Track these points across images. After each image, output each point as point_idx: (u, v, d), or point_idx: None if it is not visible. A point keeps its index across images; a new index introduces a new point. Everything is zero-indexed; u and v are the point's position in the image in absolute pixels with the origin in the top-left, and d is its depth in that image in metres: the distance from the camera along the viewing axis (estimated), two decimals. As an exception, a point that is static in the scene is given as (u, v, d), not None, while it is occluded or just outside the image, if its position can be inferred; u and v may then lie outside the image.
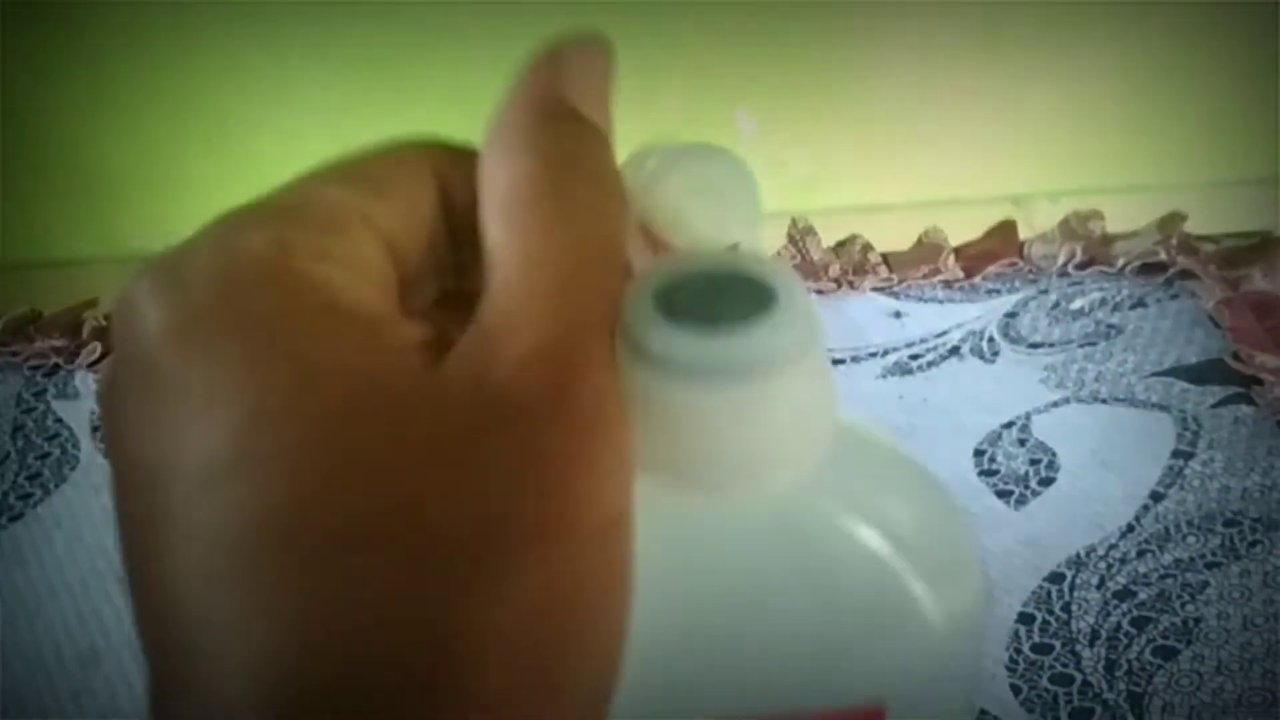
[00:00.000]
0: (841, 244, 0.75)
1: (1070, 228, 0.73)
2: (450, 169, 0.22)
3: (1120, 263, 0.70)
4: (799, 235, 0.75)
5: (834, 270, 0.72)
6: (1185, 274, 0.69)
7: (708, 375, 0.19)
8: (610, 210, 0.20)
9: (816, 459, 0.21)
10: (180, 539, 0.17)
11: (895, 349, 0.67)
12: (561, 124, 0.21)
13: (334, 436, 0.17)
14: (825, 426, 0.21)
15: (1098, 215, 0.74)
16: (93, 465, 0.64)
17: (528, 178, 0.19)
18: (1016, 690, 0.47)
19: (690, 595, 0.22)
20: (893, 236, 0.76)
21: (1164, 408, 0.60)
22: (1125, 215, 0.75)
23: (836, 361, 0.66)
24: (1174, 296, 0.68)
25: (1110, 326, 0.67)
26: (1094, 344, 0.65)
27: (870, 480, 0.24)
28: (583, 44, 0.22)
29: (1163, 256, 0.69)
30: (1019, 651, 0.49)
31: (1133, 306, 0.68)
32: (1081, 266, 0.71)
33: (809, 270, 0.72)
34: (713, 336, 0.19)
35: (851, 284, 0.72)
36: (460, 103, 0.85)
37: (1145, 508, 0.55)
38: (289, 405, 0.17)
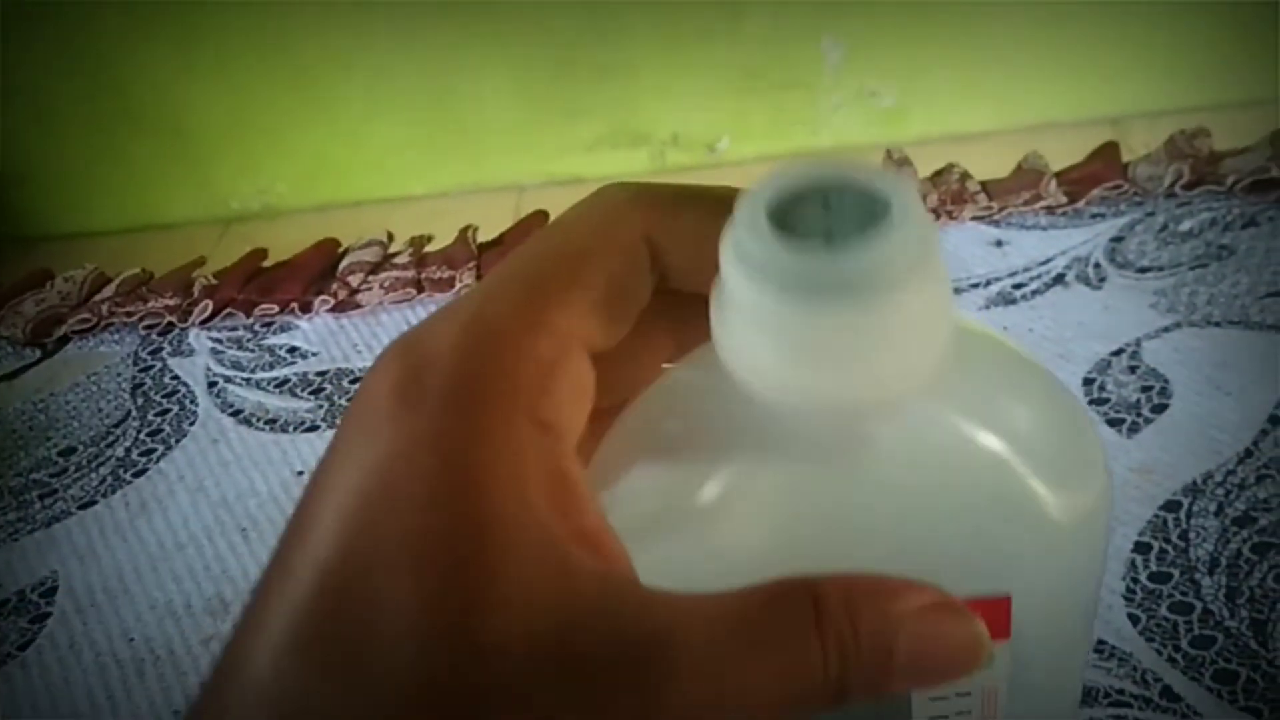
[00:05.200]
0: (938, 173, 0.74)
1: (1176, 146, 0.71)
2: (665, 221, 0.22)
3: (1230, 181, 0.68)
4: (895, 167, 0.74)
5: (932, 200, 0.71)
6: (1299, 190, 0.67)
7: (826, 294, 0.18)
8: None
9: (938, 366, 0.21)
10: None
11: (998, 279, 0.66)
12: None
13: None
14: (945, 334, 0.21)
15: (1204, 132, 0.72)
16: (210, 419, 0.66)
17: None
18: (1134, 620, 0.47)
19: (825, 506, 0.23)
20: (991, 164, 0.75)
21: (1280, 329, 0.59)
22: (1233, 131, 0.72)
23: (938, 293, 0.66)
24: (1288, 214, 0.66)
25: (1221, 247, 0.65)
26: (1205, 266, 0.64)
27: (990, 382, 0.24)
28: None
29: (1275, 173, 0.67)
30: (1136, 581, 0.48)
31: (1244, 226, 0.66)
32: (1189, 186, 0.69)
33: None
34: (829, 254, 0.19)
35: (950, 214, 0.71)
36: (540, 34, 0.85)
37: (1264, 432, 0.54)
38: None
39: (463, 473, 0.18)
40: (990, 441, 0.22)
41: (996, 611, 0.23)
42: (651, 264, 0.22)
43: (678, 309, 0.23)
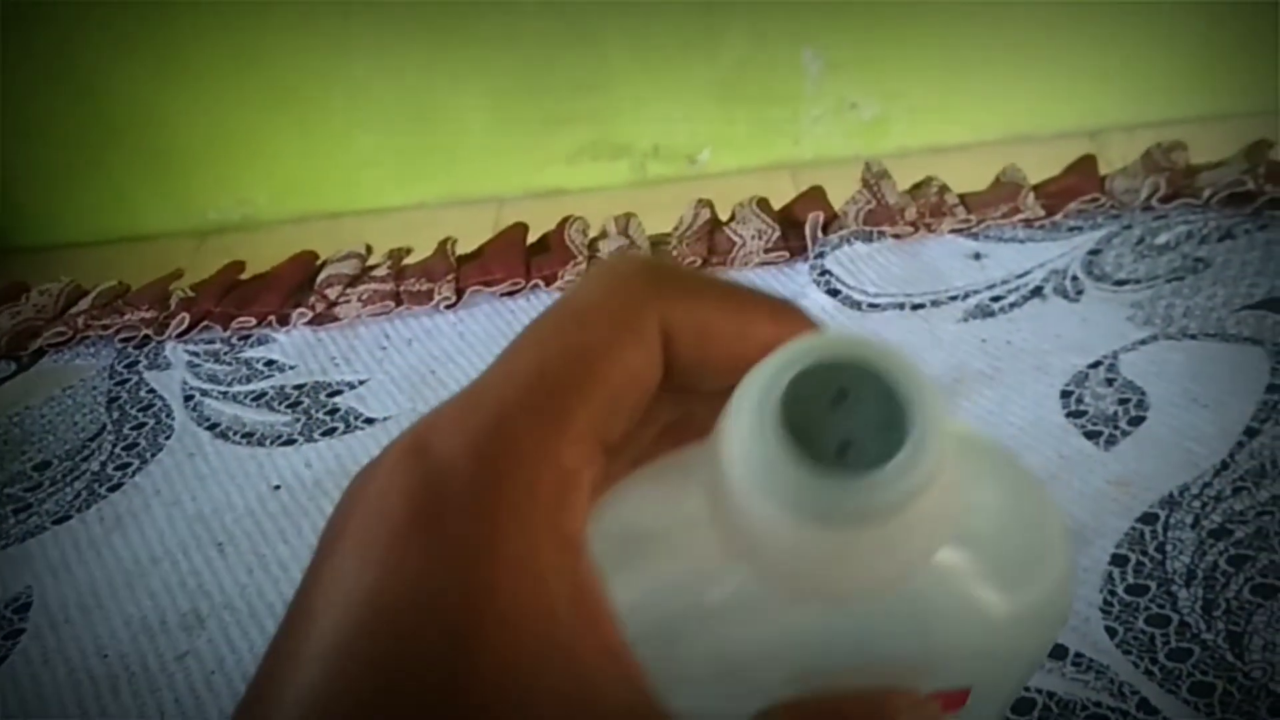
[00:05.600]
0: (917, 186, 0.74)
1: (1153, 160, 0.71)
2: (679, 311, 0.21)
3: (1206, 194, 0.69)
4: (873, 179, 0.74)
5: (911, 213, 0.71)
6: (1274, 203, 0.67)
7: (841, 520, 0.18)
8: None
9: (941, 547, 0.21)
10: None
11: (976, 291, 0.66)
12: None
13: None
14: (953, 526, 0.20)
15: (1181, 146, 0.72)
16: (186, 433, 0.66)
17: None
18: (1112, 632, 0.47)
19: (795, 619, 0.23)
20: (969, 176, 0.75)
21: (1256, 341, 0.59)
22: (1209, 145, 0.73)
23: (916, 306, 0.66)
24: (1263, 227, 0.66)
25: (1198, 260, 0.65)
26: (1181, 279, 0.64)
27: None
28: None
29: (1250, 186, 0.68)
30: (1113, 593, 0.48)
31: (1220, 239, 0.66)
32: (1166, 199, 0.69)
33: (885, 215, 0.71)
34: (845, 484, 0.18)
35: (929, 226, 0.71)
36: (519, 46, 0.85)
37: (1240, 444, 0.54)
38: None
39: (487, 601, 0.17)
40: (946, 555, 0.22)
41: (957, 698, 0.24)
42: (664, 348, 0.21)
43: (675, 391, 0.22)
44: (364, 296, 0.72)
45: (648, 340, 0.21)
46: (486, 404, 0.19)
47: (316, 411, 0.66)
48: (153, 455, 0.65)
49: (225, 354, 0.71)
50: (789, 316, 0.22)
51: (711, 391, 0.21)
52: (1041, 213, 0.70)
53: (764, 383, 0.19)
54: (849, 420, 0.19)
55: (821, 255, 0.70)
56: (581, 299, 0.21)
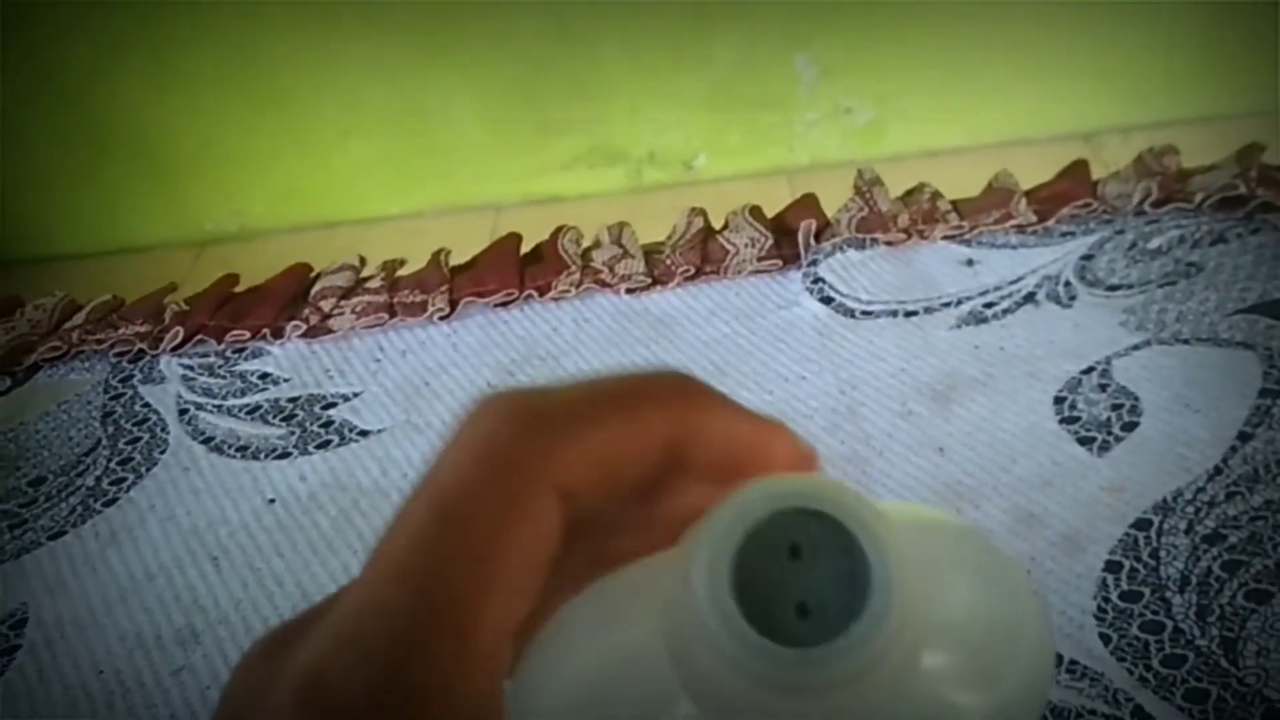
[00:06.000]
0: (910, 193, 0.74)
1: (1145, 164, 0.71)
2: (689, 414, 0.20)
3: (1198, 198, 0.69)
4: (866, 187, 0.74)
5: (903, 220, 0.71)
6: (1266, 206, 0.67)
7: (800, 690, 0.17)
8: None
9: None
10: None
11: (969, 298, 0.66)
12: None
13: None
14: (913, 669, 0.20)
15: (1173, 150, 0.72)
16: (181, 447, 0.66)
17: None
18: (1106, 639, 0.47)
19: None
20: (966, 180, 0.75)
21: (1249, 346, 0.59)
22: (1201, 148, 0.73)
23: (909, 314, 0.66)
24: (1255, 231, 0.66)
25: (1190, 265, 0.65)
26: (1174, 283, 0.64)
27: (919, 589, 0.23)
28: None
29: (1242, 190, 0.68)
30: (1107, 600, 0.48)
31: (1213, 243, 0.66)
32: (1158, 204, 0.69)
33: (878, 222, 0.71)
34: (804, 663, 0.17)
35: (922, 233, 0.71)
36: (513, 54, 0.85)
37: (1233, 449, 0.54)
38: None
39: None
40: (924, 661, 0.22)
41: None
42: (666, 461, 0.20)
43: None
44: (358, 308, 0.72)
45: (542, 511, 0.18)
46: (378, 636, 0.17)
47: (311, 424, 0.66)
48: (148, 470, 0.65)
49: (220, 367, 0.71)
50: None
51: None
52: (1034, 218, 0.70)
53: (714, 546, 0.18)
54: (806, 577, 0.18)
55: (814, 263, 0.70)
56: (456, 488, 0.19)
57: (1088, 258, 0.67)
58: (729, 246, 0.73)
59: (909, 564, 0.18)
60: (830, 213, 0.74)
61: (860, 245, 0.70)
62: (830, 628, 0.17)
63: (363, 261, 0.78)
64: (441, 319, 0.72)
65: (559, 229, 0.77)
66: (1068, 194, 0.71)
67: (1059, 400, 0.58)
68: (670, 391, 0.20)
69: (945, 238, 0.70)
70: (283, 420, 0.66)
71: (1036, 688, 0.24)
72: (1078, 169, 0.73)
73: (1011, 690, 0.23)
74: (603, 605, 0.22)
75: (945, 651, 0.22)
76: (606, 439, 0.19)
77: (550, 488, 0.19)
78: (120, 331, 0.74)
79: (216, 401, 0.69)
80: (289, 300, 0.75)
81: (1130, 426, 0.56)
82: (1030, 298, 0.65)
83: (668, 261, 0.72)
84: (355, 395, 0.68)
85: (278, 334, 0.72)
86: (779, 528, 0.18)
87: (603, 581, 0.22)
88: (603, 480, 0.19)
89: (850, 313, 0.67)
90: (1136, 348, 0.60)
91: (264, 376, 0.70)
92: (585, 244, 0.76)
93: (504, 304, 0.73)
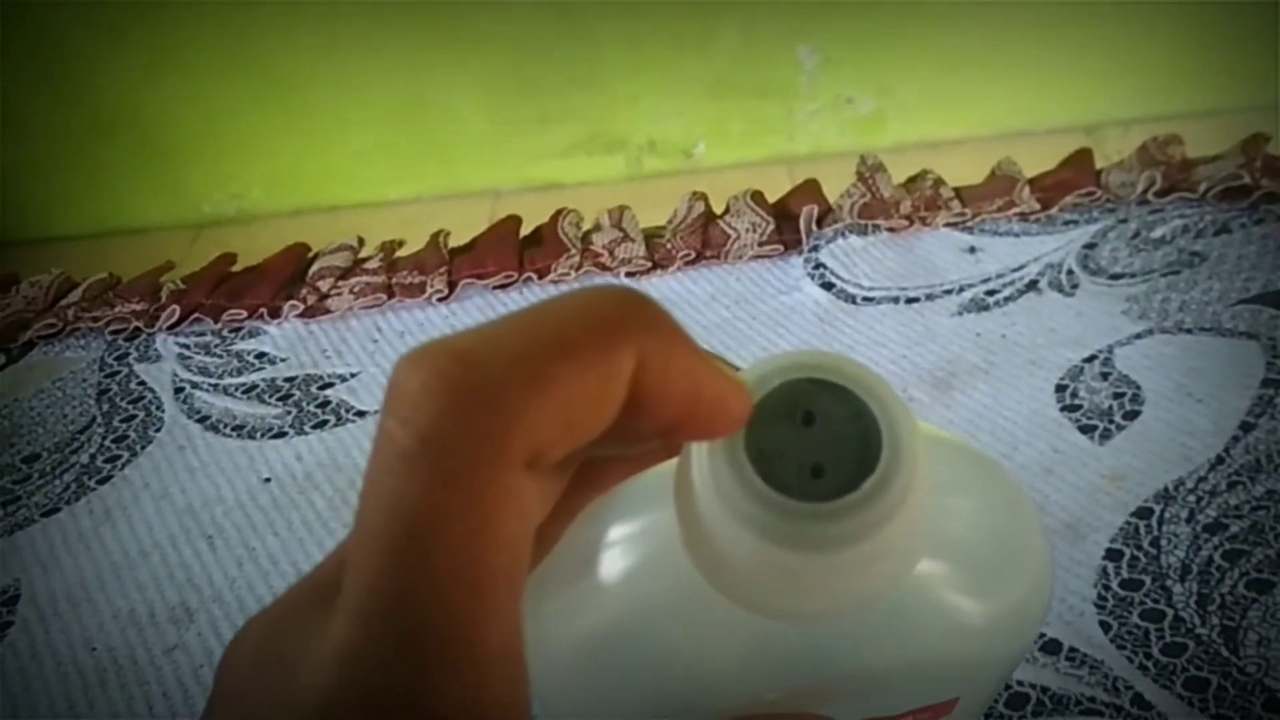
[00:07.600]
0: (912, 180, 0.74)
1: (1149, 154, 0.71)
2: (653, 351, 0.18)
3: (1202, 188, 0.68)
4: (868, 173, 0.74)
5: (905, 207, 0.71)
6: (1270, 197, 0.67)
7: (813, 547, 0.18)
8: None
9: (916, 562, 0.20)
10: None
11: (971, 285, 0.66)
12: None
13: None
14: (923, 541, 0.20)
15: (1177, 140, 0.72)
16: (176, 425, 0.65)
17: None
18: (1106, 627, 0.47)
19: (771, 641, 0.22)
20: (964, 170, 0.75)
21: (1252, 335, 0.59)
22: (1205, 138, 0.73)
23: (910, 300, 0.65)
24: (1259, 221, 0.66)
25: (1193, 254, 0.65)
26: (1177, 273, 0.64)
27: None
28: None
29: (1246, 180, 0.67)
30: (1107, 588, 0.48)
31: (1216, 233, 0.66)
32: (1162, 193, 0.69)
33: (880, 208, 0.71)
34: (816, 516, 0.18)
35: (924, 220, 0.70)
36: (513, 40, 0.85)
37: (1235, 439, 0.54)
38: None
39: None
40: (923, 565, 0.21)
41: (944, 709, 0.24)
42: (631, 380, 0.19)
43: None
44: (356, 289, 0.72)
45: (511, 494, 0.18)
46: (381, 690, 0.17)
47: (308, 404, 0.65)
48: (142, 448, 0.64)
49: (216, 346, 0.71)
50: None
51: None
52: (1037, 206, 0.70)
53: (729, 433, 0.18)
54: (819, 442, 0.18)
55: (816, 248, 0.70)
56: (411, 497, 0.17)
57: (1091, 246, 0.67)
58: (730, 231, 0.72)
59: (919, 433, 0.18)
60: (831, 200, 0.74)
61: (862, 231, 0.70)
62: (844, 486, 0.18)
63: (361, 242, 0.78)
64: (440, 300, 0.72)
65: (559, 212, 0.76)
66: (1071, 182, 0.70)
67: (1060, 388, 0.58)
68: (627, 318, 0.18)
69: (947, 225, 0.70)
70: (279, 400, 0.66)
71: (1039, 598, 0.24)
72: (1081, 158, 0.73)
73: (1015, 599, 0.24)
74: (630, 493, 0.22)
75: (950, 561, 0.22)
76: (566, 396, 0.17)
77: (514, 465, 0.17)
78: (116, 309, 0.74)
79: (213, 380, 0.68)
80: (286, 280, 0.75)
81: (1132, 415, 0.56)
82: (1033, 285, 0.65)
83: (668, 245, 0.72)
84: (353, 375, 0.67)
85: (275, 313, 0.72)
86: (793, 396, 0.19)
87: (604, 497, 0.22)
88: (571, 434, 0.18)
89: (851, 299, 0.66)
90: (1139, 336, 0.60)
91: (260, 356, 0.70)
92: (585, 227, 0.76)
93: (503, 286, 0.72)
